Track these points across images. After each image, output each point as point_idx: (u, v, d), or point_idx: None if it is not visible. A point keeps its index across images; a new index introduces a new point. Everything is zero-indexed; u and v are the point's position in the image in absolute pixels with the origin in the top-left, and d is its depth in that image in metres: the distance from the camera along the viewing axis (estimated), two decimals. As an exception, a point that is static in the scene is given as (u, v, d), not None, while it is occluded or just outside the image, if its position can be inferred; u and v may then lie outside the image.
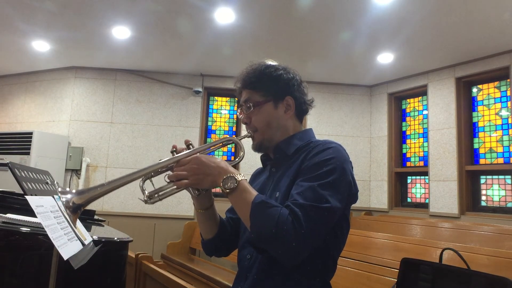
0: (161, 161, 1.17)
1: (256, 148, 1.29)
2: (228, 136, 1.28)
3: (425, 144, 5.04)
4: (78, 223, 1.29)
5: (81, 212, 1.09)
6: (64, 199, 1.05)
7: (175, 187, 1.15)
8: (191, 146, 1.22)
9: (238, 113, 1.34)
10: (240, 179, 1.10)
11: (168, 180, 1.15)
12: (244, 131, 1.33)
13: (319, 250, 1.09)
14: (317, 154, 1.14)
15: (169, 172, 1.17)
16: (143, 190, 1.14)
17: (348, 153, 1.18)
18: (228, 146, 5.19)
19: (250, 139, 1.30)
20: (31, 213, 0.95)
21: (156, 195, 1.15)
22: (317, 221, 1.02)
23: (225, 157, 5.63)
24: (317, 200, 1.04)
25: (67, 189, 1.08)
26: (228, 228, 1.36)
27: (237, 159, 1.28)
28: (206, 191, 1.25)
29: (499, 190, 4.34)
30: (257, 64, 1.30)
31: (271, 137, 1.26)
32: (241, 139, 1.29)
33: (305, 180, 1.09)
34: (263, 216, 1.03)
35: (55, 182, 1.09)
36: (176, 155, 1.18)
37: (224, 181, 1.10)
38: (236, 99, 5.77)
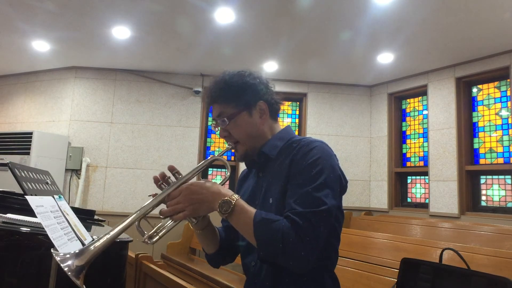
0: (151, 200, 1.14)
1: (241, 158, 1.29)
2: (213, 156, 1.27)
3: (425, 144, 5.04)
4: (78, 223, 1.29)
5: (85, 271, 1.02)
6: (66, 267, 0.97)
7: (173, 221, 1.13)
8: (176, 175, 1.18)
9: (212, 128, 1.33)
10: (235, 200, 1.09)
11: (163, 217, 1.13)
12: None
13: (324, 245, 1.11)
14: (303, 157, 1.14)
15: (163, 206, 1.14)
16: (141, 232, 1.12)
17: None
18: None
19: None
20: (31, 213, 0.95)
21: (155, 234, 1.14)
22: (319, 225, 1.05)
23: (225, 157, 5.61)
24: (314, 205, 1.05)
25: (61, 253, 0.99)
26: (227, 237, 1.36)
27: (223, 180, 1.26)
28: (204, 217, 1.24)
29: (499, 190, 4.33)
30: (220, 76, 1.27)
31: (254, 145, 1.26)
32: (223, 154, 1.27)
33: (298, 186, 1.10)
34: (267, 234, 1.04)
35: (52, 250, 1.02)
36: (165, 189, 1.15)
37: (220, 206, 1.09)
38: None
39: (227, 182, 4.95)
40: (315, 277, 1.14)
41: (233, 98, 1.23)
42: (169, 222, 1.14)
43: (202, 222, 1.27)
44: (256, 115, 1.25)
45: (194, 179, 1.18)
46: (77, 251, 1.02)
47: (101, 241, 1.05)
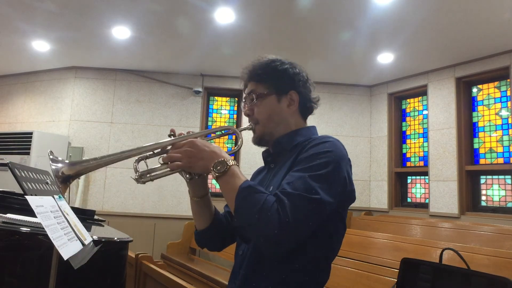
0: (155, 142, 1.18)
1: (256, 141, 1.28)
2: (227, 125, 1.29)
3: (425, 144, 5.04)
4: (78, 223, 1.29)
5: (70, 183, 1.07)
6: (54, 167, 1.03)
7: (168, 169, 1.14)
8: (190, 132, 1.23)
9: (242, 106, 1.33)
10: (231, 164, 1.09)
11: (161, 162, 1.15)
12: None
13: (311, 249, 1.07)
14: (313, 147, 1.11)
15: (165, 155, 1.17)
16: (135, 169, 1.14)
17: (348, 153, 1.17)
18: (230, 143, 5.10)
19: (251, 132, 1.29)
20: (31, 213, 0.95)
21: (148, 175, 1.14)
22: (304, 211, 0.99)
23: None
24: (306, 191, 1.00)
25: (60, 158, 1.07)
26: (224, 222, 1.34)
27: (234, 149, 1.27)
28: (198, 176, 1.23)
29: (499, 190, 4.33)
30: (264, 58, 1.29)
31: (272, 130, 1.24)
32: (242, 130, 1.28)
33: (297, 171, 1.06)
34: (248, 200, 1.01)
35: (49, 151, 1.08)
36: (173, 138, 1.19)
37: (214, 165, 1.09)
38: (236, 99, 5.77)
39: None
40: (297, 281, 1.08)
41: (267, 79, 1.24)
42: (165, 169, 1.15)
43: (199, 187, 1.26)
44: (284, 102, 1.24)
45: None
46: (71, 161, 1.08)
47: (95, 161, 1.09)
